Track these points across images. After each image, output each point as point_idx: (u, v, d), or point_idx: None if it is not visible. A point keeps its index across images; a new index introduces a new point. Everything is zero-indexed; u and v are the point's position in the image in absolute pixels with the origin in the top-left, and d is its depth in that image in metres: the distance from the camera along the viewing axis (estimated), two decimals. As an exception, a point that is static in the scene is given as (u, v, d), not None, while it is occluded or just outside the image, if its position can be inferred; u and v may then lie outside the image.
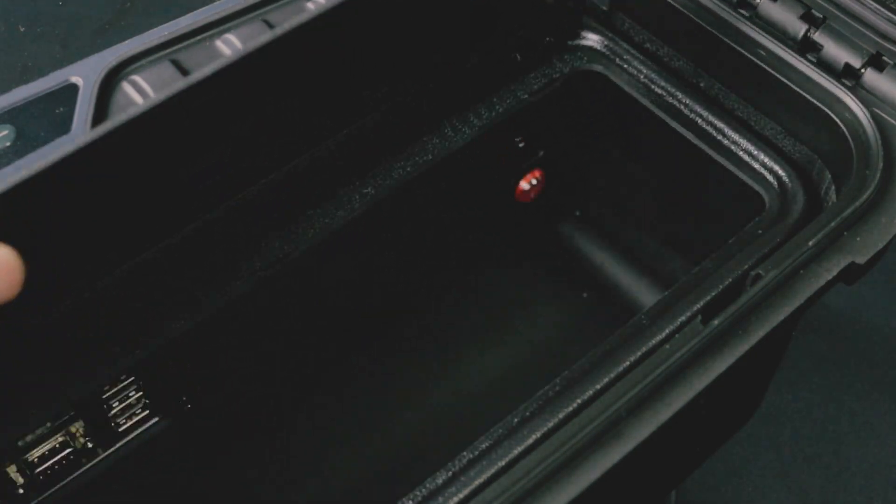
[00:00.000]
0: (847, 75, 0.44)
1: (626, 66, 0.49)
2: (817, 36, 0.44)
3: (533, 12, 0.48)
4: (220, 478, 0.50)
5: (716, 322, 0.37)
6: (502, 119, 0.48)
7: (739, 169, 0.46)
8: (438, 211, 0.51)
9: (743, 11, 0.46)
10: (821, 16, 0.44)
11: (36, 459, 0.41)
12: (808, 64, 0.44)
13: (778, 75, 0.44)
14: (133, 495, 0.47)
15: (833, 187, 0.44)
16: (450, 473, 0.36)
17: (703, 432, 0.49)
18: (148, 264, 0.41)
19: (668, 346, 0.37)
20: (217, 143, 0.41)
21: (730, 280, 0.40)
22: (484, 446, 0.36)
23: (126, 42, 0.51)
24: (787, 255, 0.39)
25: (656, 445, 0.35)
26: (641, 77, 0.48)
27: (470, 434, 0.37)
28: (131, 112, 0.36)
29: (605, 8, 0.49)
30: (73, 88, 0.50)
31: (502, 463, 0.35)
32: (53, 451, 0.42)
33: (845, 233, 0.39)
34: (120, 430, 0.44)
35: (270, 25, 0.44)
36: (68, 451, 0.42)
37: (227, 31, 0.45)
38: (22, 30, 0.74)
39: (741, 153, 0.46)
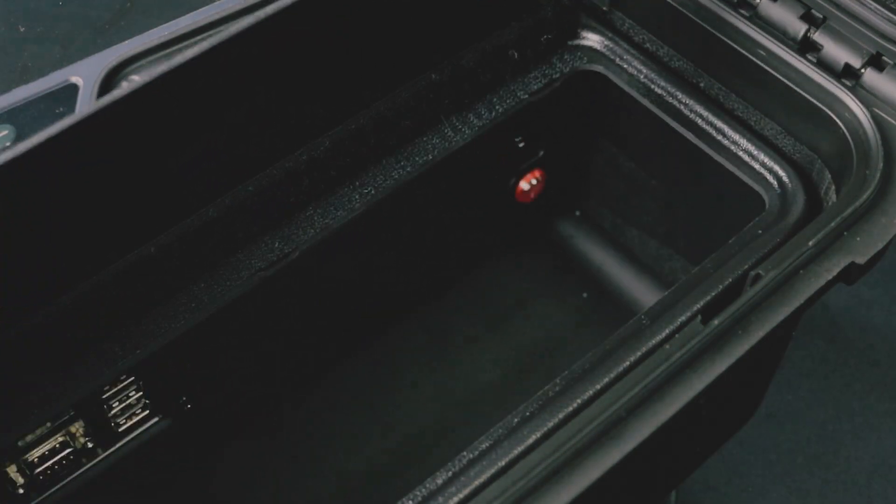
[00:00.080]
0: (847, 75, 0.44)
1: (626, 66, 0.49)
2: (817, 36, 0.44)
3: (528, 9, 0.48)
4: (220, 478, 0.50)
5: (716, 322, 0.37)
6: (502, 119, 0.48)
7: (739, 169, 0.46)
8: (438, 211, 0.51)
9: (743, 11, 0.46)
10: (821, 16, 0.44)
11: (36, 459, 0.41)
12: (808, 64, 0.44)
13: (778, 75, 0.44)
14: (133, 495, 0.47)
15: (833, 187, 0.44)
16: (450, 473, 0.36)
17: (703, 432, 0.49)
18: (148, 264, 0.41)
19: (668, 346, 0.37)
20: (215, 141, 0.41)
21: (730, 280, 0.40)
22: (484, 446, 0.36)
23: (126, 42, 0.51)
24: (787, 255, 0.39)
25: (656, 445, 0.35)
26: (641, 77, 0.48)
27: (470, 434, 0.37)
28: (123, 91, 0.35)
29: (604, 8, 0.49)
30: (73, 88, 0.50)
31: (502, 463, 0.35)
32: (53, 451, 0.42)
33: (845, 233, 0.39)
34: (120, 430, 0.44)
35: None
36: (68, 451, 0.42)
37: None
38: (22, 30, 0.74)
39: (741, 153, 0.46)
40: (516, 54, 0.48)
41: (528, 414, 0.37)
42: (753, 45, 0.45)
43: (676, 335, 0.37)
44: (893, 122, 0.42)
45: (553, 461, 0.34)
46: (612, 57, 0.49)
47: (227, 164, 0.42)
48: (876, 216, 0.39)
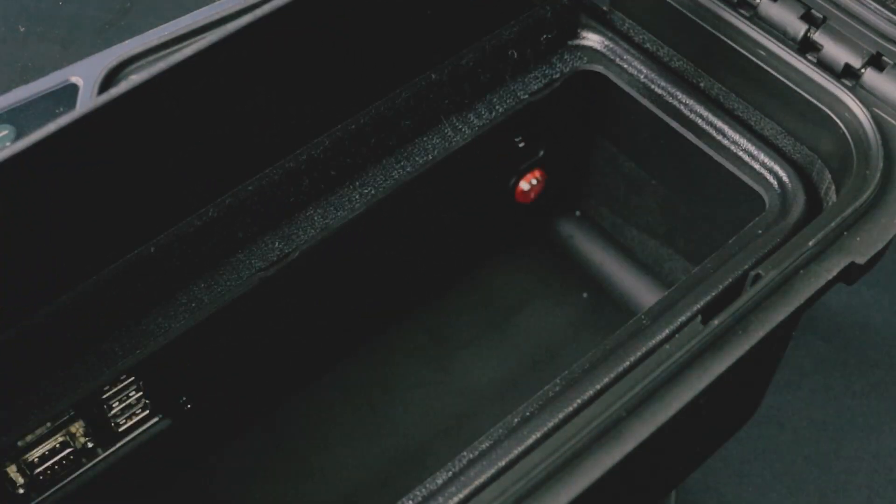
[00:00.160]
0: (847, 75, 0.44)
1: (626, 66, 0.49)
2: (817, 36, 0.44)
3: (528, 8, 0.48)
4: (220, 478, 0.50)
5: (716, 322, 0.37)
6: (502, 119, 0.48)
7: (739, 169, 0.46)
8: (438, 211, 0.51)
9: (743, 11, 0.46)
10: (821, 16, 0.44)
11: (36, 459, 0.41)
12: (808, 64, 0.44)
13: (778, 75, 0.44)
14: (133, 495, 0.47)
15: (833, 187, 0.44)
16: (450, 473, 0.36)
17: (703, 432, 0.49)
18: (148, 264, 0.41)
19: (668, 346, 0.37)
20: (215, 141, 0.41)
21: (730, 280, 0.40)
22: (484, 446, 0.36)
23: (126, 42, 0.51)
24: (787, 255, 0.39)
25: (656, 445, 0.35)
26: (641, 77, 0.48)
27: (470, 434, 0.37)
28: (121, 89, 0.35)
29: (604, 8, 0.49)
30: (73, 88, 0.50)
31: (502, 463, 0.35)
32: (53, 451, 0.42)
33: (845, 233, 0.39)
34: (120, 430, 0.44)
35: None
36: (68, 451, 0.42)
37: (227, 31, 0.44)
38: (22, 30, 0.74)
39: (741, 153, 0.46)
40: (516, 54, 0.48)
41: (528, 414, 0.37)
42: (753, 45, 0.45)
43: (676, 335, 0.37)
44: (893, 122, 0.42)
45: (553, 461, 0.34)
46: (612, 57, 0.49)
47: (227, 164, 0.42)
48: (876, 216, 0.39)
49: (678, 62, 0.48)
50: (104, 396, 0.42)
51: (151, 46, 0.49)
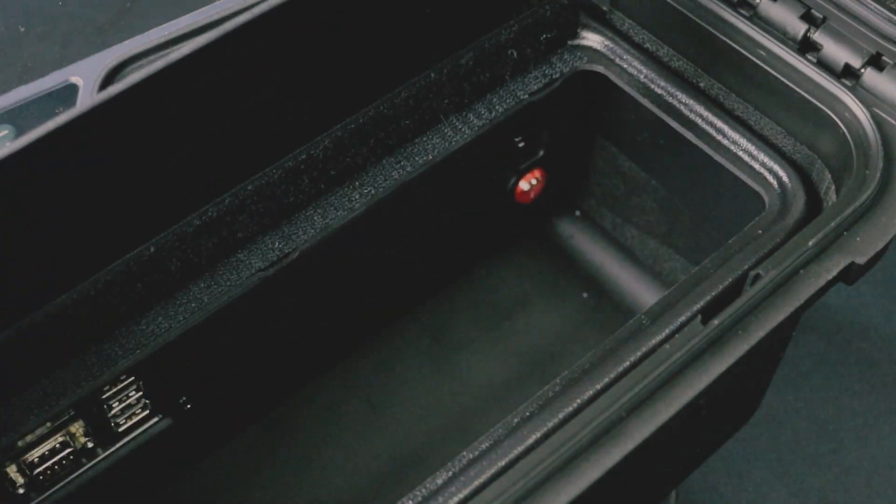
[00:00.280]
0: (847, 75, 0.44)
1: (626, 66, 0.49)
2: (817, 36, 0.44)
3: (528, 8, 0.48)
4: (220, 478, 0.50)
5: (716, 322, 0.37)
6: (502, 119, 0.48)
7: (739, 169, 0.46)
8: (438, 211, 0.51)
9: (743, 11, 0.46)
10: (821, 16, 0.44)
11: (36, 459, 0.41)
12: (808, 64, 0.44)
13: (778, 75, 0.44)
14: (133, 495, 0.47)
15: (833, 187, 0.44)
16: (450, 473, 0.36)
17: (704, 432, 0.49)
18: (148, 264, 0.41)
19: (668, 346, 0.37)
20: (215, 141, 0.41)
21: (730, 280, 0.40)
22: (484, 446, 0.36)
23: (126, 42, 0.51)
24: (787, 255, 0.39)
25: (656, 445, 0.35)
26: (641, 77, 0.48)
27: (470, 434, 0.37)
28: (120, 87, 0.35)
29: (604, 8, 0.49)
30: (73, 88, 0.50)
31: (502, 463, 0.35)
32: (53, 451, 0.42)
33: (845, 233, 0.39)
34: (120, 430, 0.44)
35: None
36: (68, 451, 0.42)
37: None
38: (22, 30, 0.74)
39: (741, 153, 0.46)
40: (516, 54, 0.48)
41: (528, 414, 0.37)
42: (753, 45, 0.45)
43: (676, 335, 0.37)
44: (893, 122, 0.42)
45: (553, 461, 0.34)
46: (612, 57, 0.49)
47: (227, 164, 0.42)
48: (876, 216, 0.39)
49: (678, 62, 0.48)
50: (104, 396, 0.42)
51: (151, 46, 0.49)
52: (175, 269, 0.42)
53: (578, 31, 0.50)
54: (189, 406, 0.46)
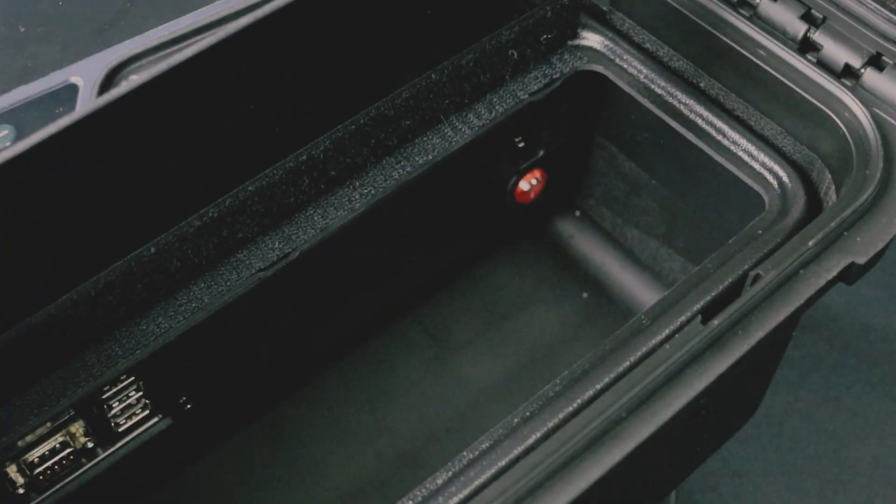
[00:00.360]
0: (847, 75, 0.44)
1: (626, 66, 0.49)
2: (817, 36, 0.44)
3: (528, 8, 0.48)
4: (220, 478, 0.50)
5: (716, 322, 0.37)
6: (502, 119, 0.48)
7: (739, 169, 0.46)
8: (438, 211, 0.51)
9: (743, 11, 0.46)
10: (821, 16, 0.44)
11: (36, 459, 0.41)
12: (808, 64, 0.44)
13: (778, 75, 0.44)
14: (133, 495, 0.47)
15: (833, 187, 0.44)
16: (450, 473, 0.36)
17: (704, 432, 0.49)
18: (148, 264, 0.41)
19: (668, 346, 0.37)
20: (215, 141, 0.41)
21: (730, 280, 0.40)
22: (484, 446, 0.36)
23: (126, 42, 0.51)
24: (787, 255, 0.39)
25: (657, 445, 0.35)
26: (641, 77, 0.48)
27: (470, 434, 0.37)
28: (122, 90, 0.35)
29: (604, 8, 0.49)
30: (73, 88, 0.50)
31: (502, 463, 0.35)
32: (53, 451, 0.42)
33: (845, 233, 0.39)
34: (120, 430, 0.44)
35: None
36: (68, 451, 0.42)
37: (227, 31, 0.44)
38: (22, 30, 0.74)
39: (741, 153, 0.46)
40: (516, 54, 0.48)
41: (528, 414, 0.37)
42: (753, 45, 0.45)
43: (676, 335, 0.37)
44: (893, 122, 0.42)
45: (553, 461, 0.34)
46: (612, 57, 0.49)
47: (227, 164, 0.42)
48: (876, 216, 0.39)
49: (678, 62, 0.48)
50: (104, 396, 0.42)
51: (151, 46, 0.49)
52: (175, 270, 0.42)
53: (579, 31, 0.50)
54: (189, 406, 0.46)
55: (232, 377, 0.48)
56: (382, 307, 0.54)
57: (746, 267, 0.40)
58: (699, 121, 0.47)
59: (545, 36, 0.49)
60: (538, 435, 0.36)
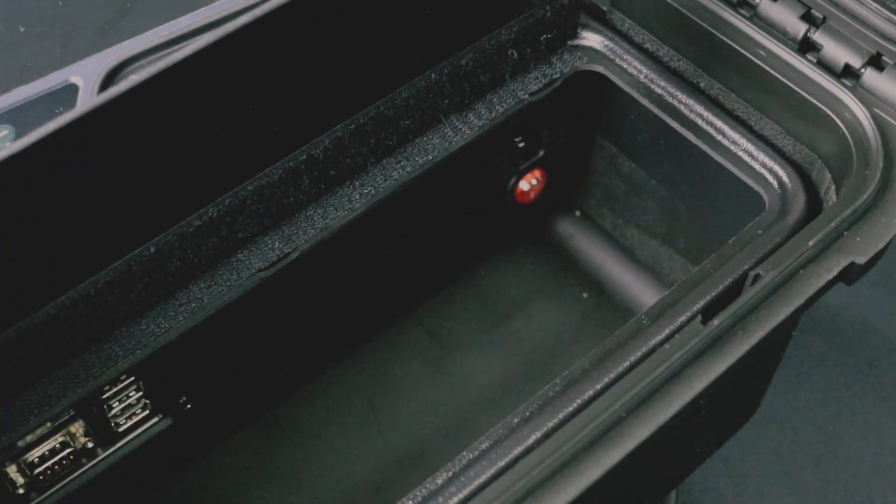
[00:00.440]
0: (847, 75, 0.44)
1: (626, 66, 0.49)
2: (817, 36, 0.44)
3: (528, 8, 0.48)
4: (220, 478, 0.50)
5: (716, 322, 0.37)
6: (502, 119, 0.48)
7: (739, 169, 0.46)
8: (438, 211, 0.51)
9: (743, 11, 0.46)
10: (821, 16, 0.44)
11: (36, 459, 0.41)
12: (808, 64, 0.44)
13: (778, 75, 0.44)
14: (133, 495, 0.47)
15: (833, 187, 0.44)
16: (450, 473, 0.36)
17: (704, 432, 0.49)
18: (148, 264, 0.41)
19: (668, 346, 0.37)
20: (215, 141, 0.41)
21: (730, 280, 0.40)
22: (484, 446, 0.36)
23: (126, 42, 0.51)
24: (787, 255, 0.39)
25: (656, 445, 0.35)
26: (641, 77, 0.48)
27: (470, 434, 0.37)
28: (121, 88, 0.35)
29: (604, 8, 0.49)
30: (73, 89, 0.50)
31: (502, 463, 0.35)
32: (53, 451, 0.42)
33: (845, 233, 0.39)
34: (120, 430, 0.44)
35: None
36: (68, 451, 0.42)
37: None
38: (22, 30, 0.74)
39: (741, 153, 0.46)
40: (516, 54, 0.48)
41: (528, 414, 0.37)
42: (753, 45, 0.45)
43: (676, 335, 0.37)
44: (893, 122, 0.42)
45: (553, 461, 0.34)
46: (612, 57, 0.49)
47: (227, 164, 0.42)
48: (876, 216, 0.39)
49: (678, 62, 0.48)
50: (104, 396, 0.42)
51: (151, 46, 0.49)
52: (175, 269, 0.42)
53: (578, 31, 0.50)
54: (189, 406, 0.46)
55: (232, 377, 0.48)
56: (382, 307, 0.54)
57: (746, 267, 0.40)
58: (699, 121, 0.47)
59: (545, 36, 0.49)
60: (538, 435, 0.36)
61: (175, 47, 0.47)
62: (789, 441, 0.59)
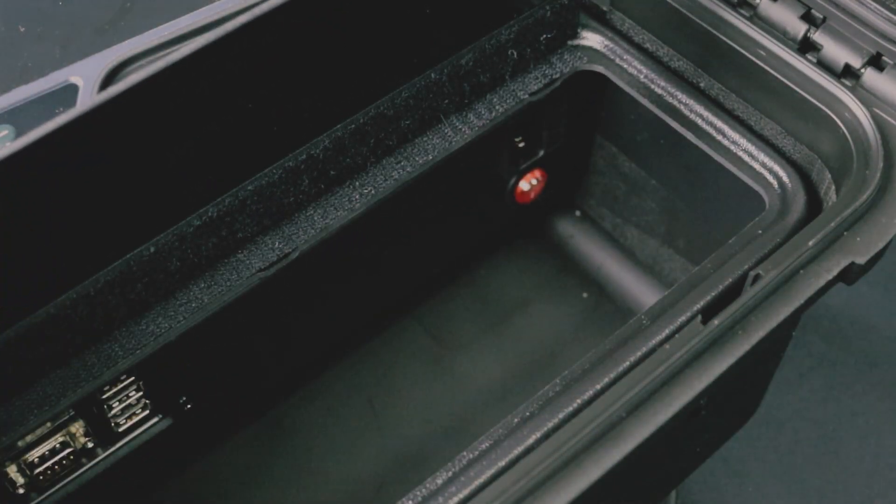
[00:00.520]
0: (847, 75, 0.44)
1: (626, 66, 0.49)
2: (817, 36, 0.44)
3: (528, 8, 0.48)
4: (220, 478, 0.50)
5: (716, 322, 0.37)
6: (502, 119, 0.48)
7: (739, 169, 0.46)
8: (438, 211, 0.51)
9: (743, 11, 0.46)
10: (821, 16, 0.44)
11: (36, 459, 0.41)
12: (808, 64, 0.44)
13: (778, 75, 0.44)
14: (133, 495, 0.47)
15: (833, 187, 0.44)
16: (450, 473, 0.36)
17: (704, 432, 0.49)
18: (148, 264, 0.41)
19: (668, 346, 0.37)
20: (215, 140, 0.41)
21: (730, 280, 0.40)
22: (484, 446, 0.36)
23: (126, 42, 0.51)
24: (787, 255, 0.39)
25: (656, 445, 0.35)
26: (641, 77, 0.48)
27: (470, 434, 0.37)
28: (120, 88, 0.35)
29: (604, 8, 0.49)
30: (73, 89, 0.50)
31: (502, 463, 0.35)
32: (53, 451, 0.42)
33: (845, 233, 0.39)
34: (120, 430, 0.44)
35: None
36: (68, 451, 0.42)
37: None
38: (22, 30, 0.74)
39: (741, 153, 0.46)
40: (516, 54, 0.48)
41: (528, 414, 0.37)
42: (753, 45, 0.45)
43: (676, 335, 0.37)
44: (893, 122, 0.42)
45: (553, 461, 0.34)
46: (612, 57, 0.49)
47: (227, 164, 0.42)
48: (876, 216, 0.39)
49: (678, 62, 0.48)
50: (104, 396, 0.42)
51: (151, 46, 0.49)
52: (175, 269, 0.42)
53: (578, 31, 0.50)
54: (189, 406, 0.46)
55: (232, 377, 0.48)
56: (382, 307, 0.54)
57: (746, 267, 0.40)
58: (699, 121, 0.47)
59: (545, 36, 0.49)
60: (538, 435, 0.36)
61: (175, 47, 0.47)
62: (789, 441, 0.59)
